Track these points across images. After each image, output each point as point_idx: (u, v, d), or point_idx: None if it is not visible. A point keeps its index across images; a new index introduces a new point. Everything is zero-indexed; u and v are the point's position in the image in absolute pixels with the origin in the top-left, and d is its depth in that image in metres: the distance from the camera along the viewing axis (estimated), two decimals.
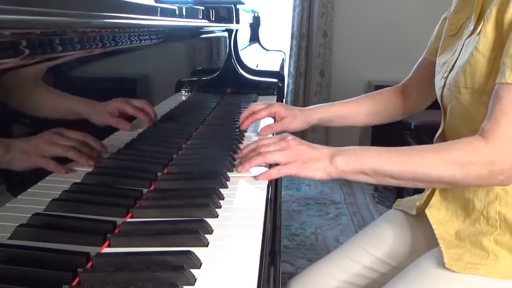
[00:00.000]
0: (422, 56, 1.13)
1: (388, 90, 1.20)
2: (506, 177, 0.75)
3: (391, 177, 0.80)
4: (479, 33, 0.83)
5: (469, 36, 0.88)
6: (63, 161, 0.70)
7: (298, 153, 0.82)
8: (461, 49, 0.90)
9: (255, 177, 0.83)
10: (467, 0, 0.94)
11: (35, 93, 0.62)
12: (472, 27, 0.87)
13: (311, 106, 1.21)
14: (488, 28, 0.81)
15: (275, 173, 0.82)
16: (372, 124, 1.22)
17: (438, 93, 0.96)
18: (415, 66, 1.16)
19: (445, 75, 0.92)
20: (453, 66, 0.90)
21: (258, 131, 1.14)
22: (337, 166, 0.81)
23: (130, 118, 0.93)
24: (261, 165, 0.85)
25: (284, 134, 0.89)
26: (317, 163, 0.82)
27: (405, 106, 1.17)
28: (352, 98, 1.20)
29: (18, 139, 0.60)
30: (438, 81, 0.96)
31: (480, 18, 0.86)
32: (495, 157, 0.74)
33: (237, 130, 1.15)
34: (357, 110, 1.18)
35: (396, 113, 1.18)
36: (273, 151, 0.83)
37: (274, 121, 1.17)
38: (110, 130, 0.87)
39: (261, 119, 1.17)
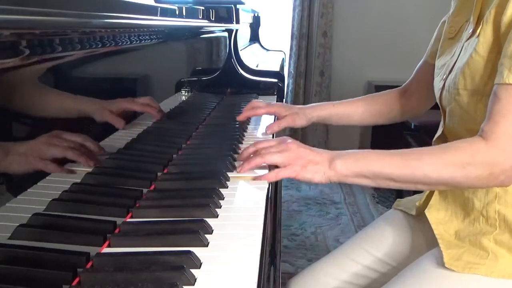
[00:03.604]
0: (422, 59, 1.13)
1: (389, 92, 1.20)
2: (506, 177, 0.75)
3: (391, 180, 0.80)
4: (478, 35, 0.83)
5: (468, 39, 0.87)
6: (62, 163, 0.70)
7: (298, 156, 0.82)
8: (460, 52, 0.89)
9: (253, 180, 0.83)
10: (466, 3, 0.94)
11: (36, 92, 0.62)
12: (471, 29, 0.87)
13: (311, 104, 1.22)
14: (487, 30, 0.81)
15: (273, 176, 0.82)
16: (372, 124, 1.22)
17: (437, 95, 0.96)
18: (416, 69, 1.16)
19: (444, 77, 0.92)
20: (452, 68, 0.90)
21: (265, 127, 1.14)
22: (336, 170, 0.80)
23: (129, 118, 0.93)
24: (259, 166, 0.85)
25: (284, 137, 0.89)
26: (316, 166, 0.81)
27: (406, 108, 1.17)
28: (354, 98, 1.21)
29: (15, 142, 0.60)
30: (437, 83, 0.96)
31: (479, 20, 0.86)
32: (496, 158, 0.74)
33: (237, 130, 1.15)
34: (358, 110, 1.18)
35: (397, 114, 1.19)
36: (273, 152, 0.83)
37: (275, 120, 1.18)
38: (110, 130, 0.87)
39: (259, 115, 1.20)
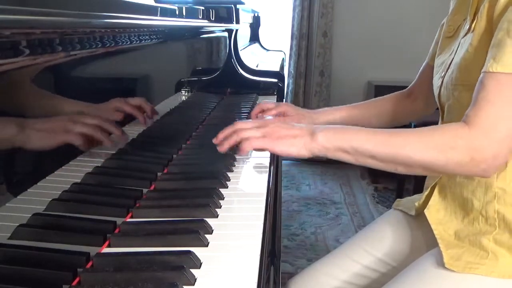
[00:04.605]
0: (424, 62, 1.14)
1: (395, 95, 1.20)
2: (487, 166, 0.74)
3: (371, 157, 0.79)
4: (473, 30, 0.84)
5: (464, 35, 0.88)
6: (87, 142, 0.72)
7: (274, 130, 0.82)
8: (457, 48, 0.90)
9: (235, 154, 0.82)
10: (463, 2, 0.95)
11: (34, 93, 0.62)
12: (468, 26, 0.87)
13: (316, 110, 1.21)
14: (481, 24, 0.82)
15: (248, 145, 0.81)
16: (378, 127, 1.22)
17: (435, 92, 0.96)
18: (419, 72, 1.16)
19: (442, 74, 0.93)
20: (449, 65, 0.91)
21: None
22: (318, 142, 0.80)
23: (129, 118, 0.93)
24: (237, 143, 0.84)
25: (264, 117, 0.89)
26: (293, 140, 0.81)
27: (412, 110, 1.18)
28: (360, 102, 1.21)
29: (35, 118, 0.60)
30: (436, 81, 0.96)
31: (475, 16, 0.86)
32: (478, 142, 0.73)
33: None
34: (365, 114, 1.18)
35: (403, 117, 1.19)
36: (250, 128, 0.83)
37: None
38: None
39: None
